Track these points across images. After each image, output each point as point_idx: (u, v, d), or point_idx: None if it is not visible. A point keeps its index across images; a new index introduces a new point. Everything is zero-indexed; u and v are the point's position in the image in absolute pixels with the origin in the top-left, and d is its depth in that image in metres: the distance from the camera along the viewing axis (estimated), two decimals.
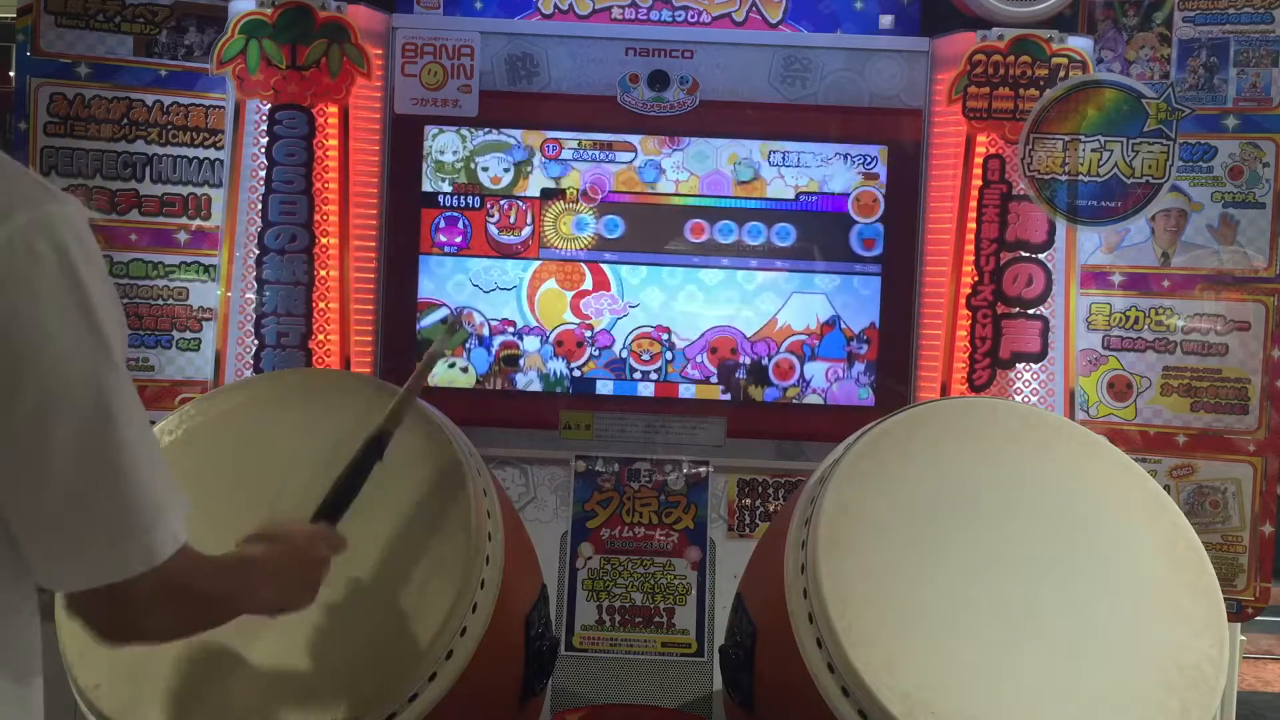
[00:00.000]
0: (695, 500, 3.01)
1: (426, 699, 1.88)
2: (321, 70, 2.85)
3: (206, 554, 1.25)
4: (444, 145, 3.05)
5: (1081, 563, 1.99)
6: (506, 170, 3.05)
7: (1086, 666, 1.88)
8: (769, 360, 3.07)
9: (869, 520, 2.00)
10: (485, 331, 3.07)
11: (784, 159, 3.06)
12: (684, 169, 3.06)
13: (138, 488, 1.13)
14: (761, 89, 3.04)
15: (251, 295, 2.85)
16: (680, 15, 3.11)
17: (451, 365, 3.07)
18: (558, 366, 3.07)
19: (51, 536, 1.12)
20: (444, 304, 3.06)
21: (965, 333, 2.90)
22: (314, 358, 2.85)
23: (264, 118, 2.85)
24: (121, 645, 1.25)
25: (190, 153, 3.01)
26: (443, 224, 3.07)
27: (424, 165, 3.05)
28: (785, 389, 3.07)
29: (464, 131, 3.05)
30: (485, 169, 3.05)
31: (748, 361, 3.07)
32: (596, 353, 3.07)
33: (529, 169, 3.05)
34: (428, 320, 3.06)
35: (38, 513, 1.10)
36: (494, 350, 3.07)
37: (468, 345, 3.06)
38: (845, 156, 3.06)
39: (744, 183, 3.06)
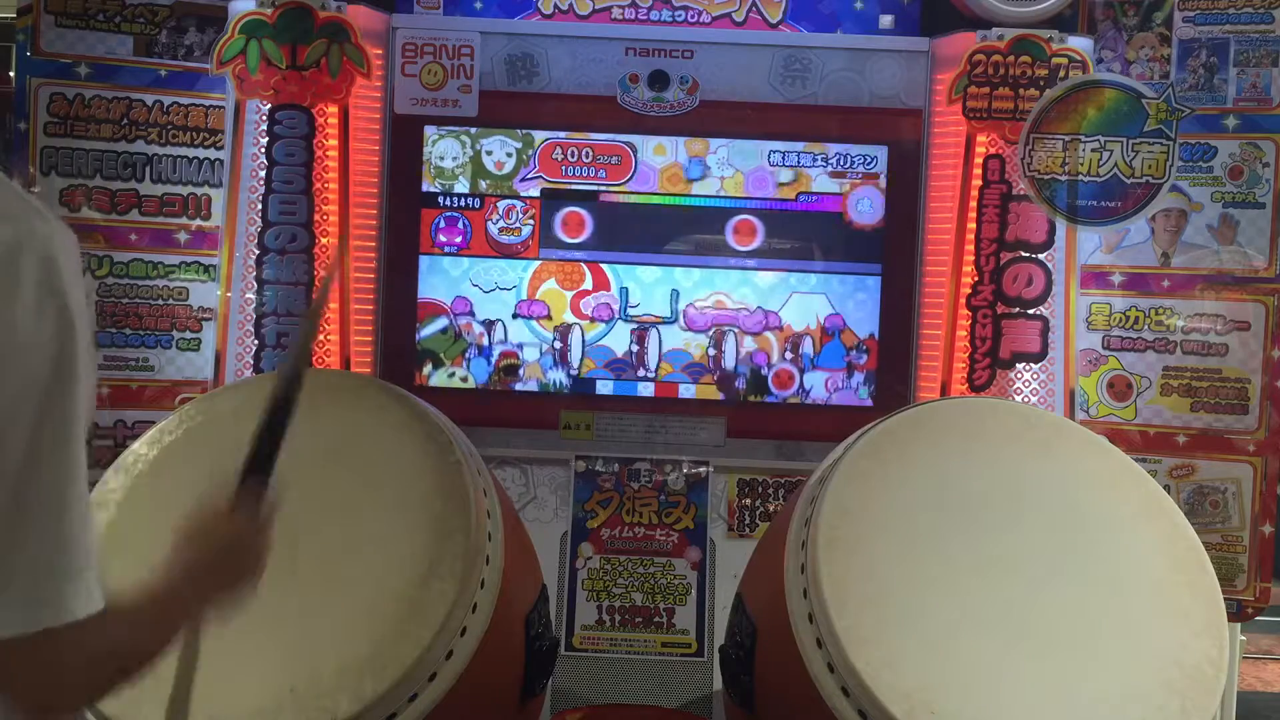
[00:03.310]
0: (695, 500, 3.01)
1: (426, 699, 1.88)
2: (321, 70, 2.85)
3: (123, 593, 1.10)
4: (444, 151, 3.05)
5: (1081, 563, 1.99)
6: (509, 155, 3.05)
7: (1086, 666, 1.88)
8: (768, 370, 3.07)
9: (869, 520, 2.00)
10: (485, 341, 3.06)
11: (784, 159, 3.06)
12: (683, 169, 3.06)
13: (78, 523, 1.02)
14: (761, 89, 3.04)
15: (251, 295, 2.84)
16: (680, 15, 3.10)
17: (451, 375, 3.07)
18: (558, 376, 3.06)
19: None
20: (444, 303, 3.06)
21: (965, 333, 2.90)
22: (314, 358, 2.85)
23: (264, 118, 2.85)
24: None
25: (190, 153, 3.01)
26: (443, 224, 3.06)
27: (424, 167, 3.05)
28: (785, 399, 3.07)
29: (464, 136, 3.05)
30: (489, 152, 3.05)
31: (747, 371, 3.07)
32: (595, 354, 3.07)
33: (529, 154, 3.05)
34: (428, 330, 3.06)
35: None
36: (493, 360, 3.07)
37: (467, 355, 3.05)
38: (845, 156, 3.06)
39: (744, 183, 3.06)
